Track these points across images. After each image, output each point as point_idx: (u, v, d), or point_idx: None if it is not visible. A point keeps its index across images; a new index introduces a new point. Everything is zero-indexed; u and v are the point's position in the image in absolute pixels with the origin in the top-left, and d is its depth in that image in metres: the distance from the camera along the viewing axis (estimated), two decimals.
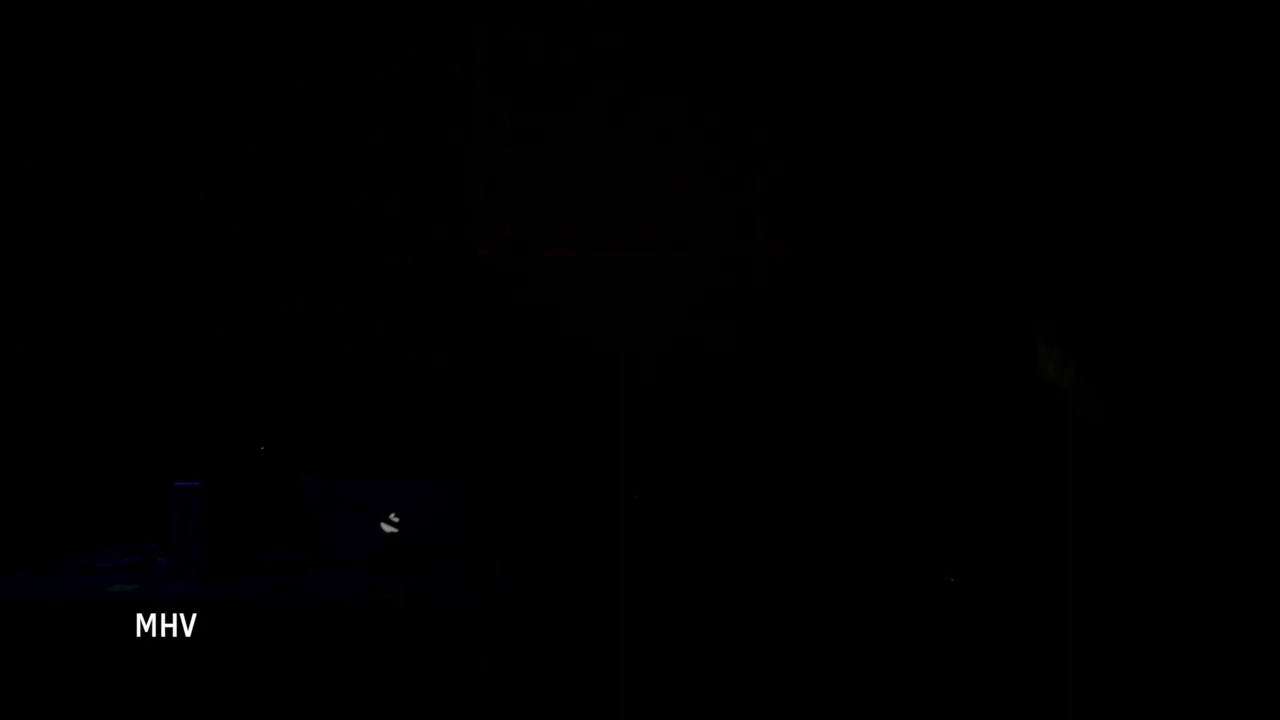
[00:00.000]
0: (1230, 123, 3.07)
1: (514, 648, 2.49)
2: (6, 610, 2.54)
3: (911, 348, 3.23)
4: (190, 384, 3.27)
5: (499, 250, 3.33)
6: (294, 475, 2.99)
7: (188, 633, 2.50)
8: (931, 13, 3.23)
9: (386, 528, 2.89)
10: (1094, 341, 3.01)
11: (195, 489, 2.76)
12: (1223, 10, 3.12)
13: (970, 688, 2.47)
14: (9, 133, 3.25)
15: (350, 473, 3.06)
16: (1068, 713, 2.46)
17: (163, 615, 2.52)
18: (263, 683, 2.48)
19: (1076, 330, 3.05)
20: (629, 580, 2.76)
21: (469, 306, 3.33)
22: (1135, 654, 2.47)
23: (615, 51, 3.34)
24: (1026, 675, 2.48)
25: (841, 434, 3.19)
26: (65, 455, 3.16)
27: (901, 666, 2.50)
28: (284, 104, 3.34)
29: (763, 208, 3.32)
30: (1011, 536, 2.88)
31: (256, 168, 3.33)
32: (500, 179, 3.35)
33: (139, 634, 2.49)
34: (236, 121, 3.34)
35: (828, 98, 3.29)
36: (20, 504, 3.05)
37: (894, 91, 3.24)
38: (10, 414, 3.18)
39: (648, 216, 3.31)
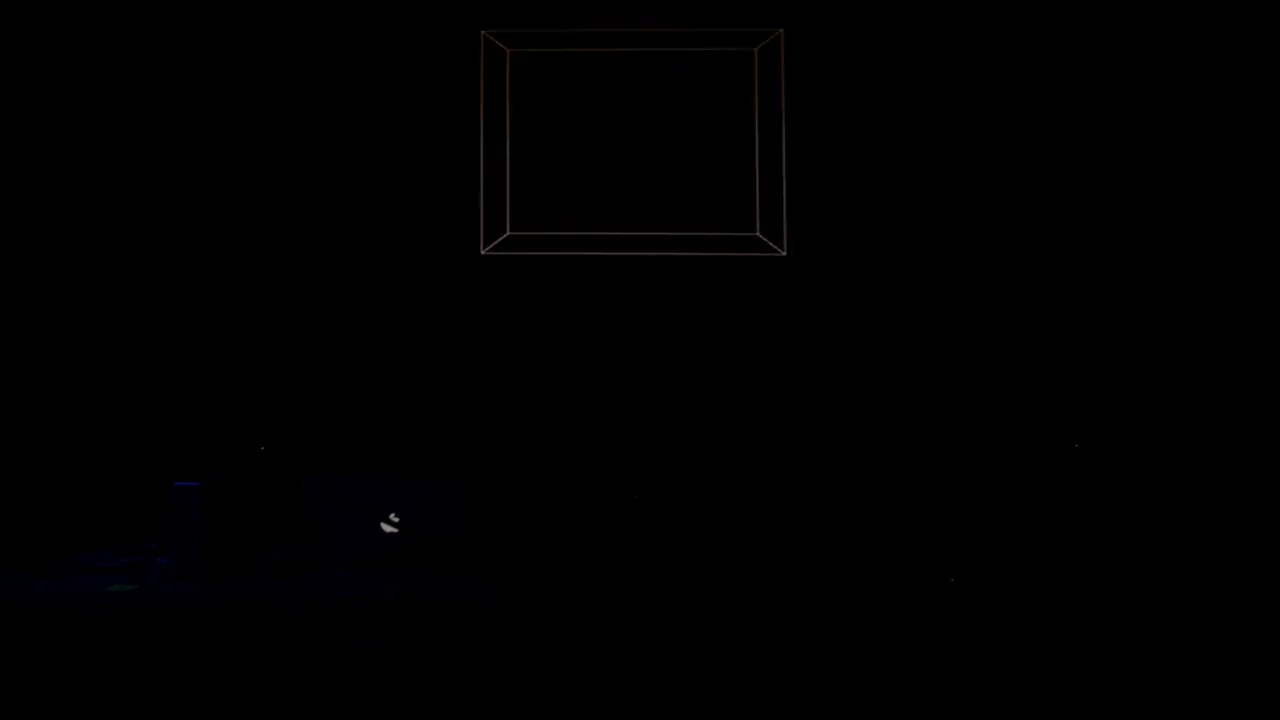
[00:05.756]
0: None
1: (510, 644, 2.50)
2: (6, 610, 2.54)
3: (917, 343, 3.22)
4: (190, 384, 3.27)
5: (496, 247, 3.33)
6: (294, 475, 3.00)
7: (187, 632, 2.50)
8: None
9: (386, 528, 2.89)
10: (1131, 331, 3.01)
11: (195, 489, 2.77)
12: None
13: (971, 688, 2.47)
14: (9, 130, 3.26)
15: (350, 472, 3.06)
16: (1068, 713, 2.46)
17: (162, 614, 2.53)
18: (262, 681, 2.48)
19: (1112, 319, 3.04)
20: (627, 577, 2.77)
21: (465, 306, 3.33)
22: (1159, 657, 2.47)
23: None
24: (1028, 675, 2.48)
25: (845, 433, 3.18)
26: (65, 455, 3.16)
27: (902, 666, 2.49)
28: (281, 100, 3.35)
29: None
30: (1020, 535, 2.87)
31: (251, 166, 3.33)
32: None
33: (139, 633, 2.50)
34: (233, 119, 3.34)
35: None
36: (20, 504, 3.05)
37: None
38: (10, 414, 3.18)
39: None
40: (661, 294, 3.30)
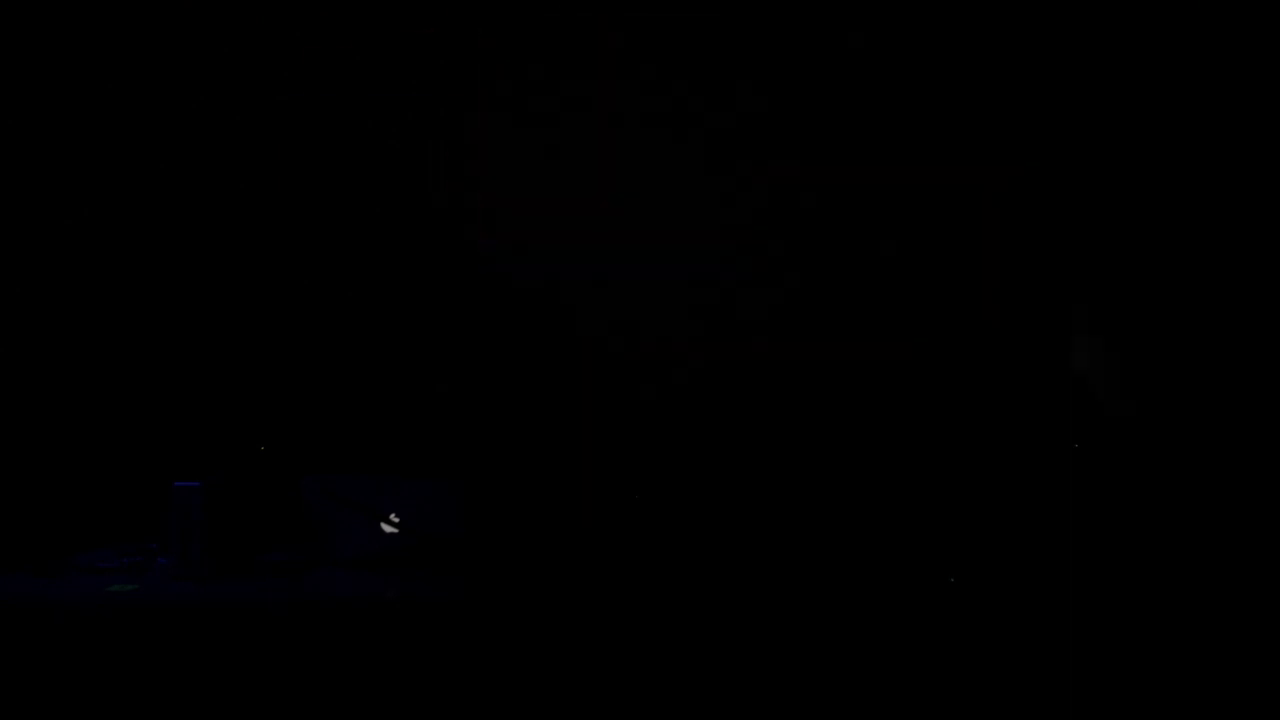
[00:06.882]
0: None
1: (506, 644, 2.50)
2: (6, 610, 2.54)
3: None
4: (190, 384, 3.27)
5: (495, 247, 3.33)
6: (294, 475, 3.00)
7: (187, 632, 2.50)
8: None
9: (386, 528, 2.90)
10: (1136, 330, 2.98)
11: (195, 489, 2.77)
12: None
13: (971, 688, 2.47)
14: (10, 130, 3.26)
15: (350, 472, 3.06)
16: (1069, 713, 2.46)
17: (162, 614, 2.53)
18: (262, 682, 2.48)
19: (1118, 317, 3.03)
20: (622, 575, 2.77)
21: (464, 306, 3.34)
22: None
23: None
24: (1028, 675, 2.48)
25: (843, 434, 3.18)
26: (64, 455, 3.16)
27: (901, 667, 2.50)
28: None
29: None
30: (1018, 538, 2.87)
31: (251, 166, 3.33)
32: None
33: (139, 633, 2.50)
34: (233, 119, 3.34)
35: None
36: (20, 504, 3.05)
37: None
38: (10, 414, 3.18)
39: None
40: (661, 293, 3.30)
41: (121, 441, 3.20)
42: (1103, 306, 3.12)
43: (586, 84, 3.34)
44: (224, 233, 3.32)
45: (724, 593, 2.68)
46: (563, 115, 3.35)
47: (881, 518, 3.01)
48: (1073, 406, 3.00)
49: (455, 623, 2.52)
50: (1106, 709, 2.45)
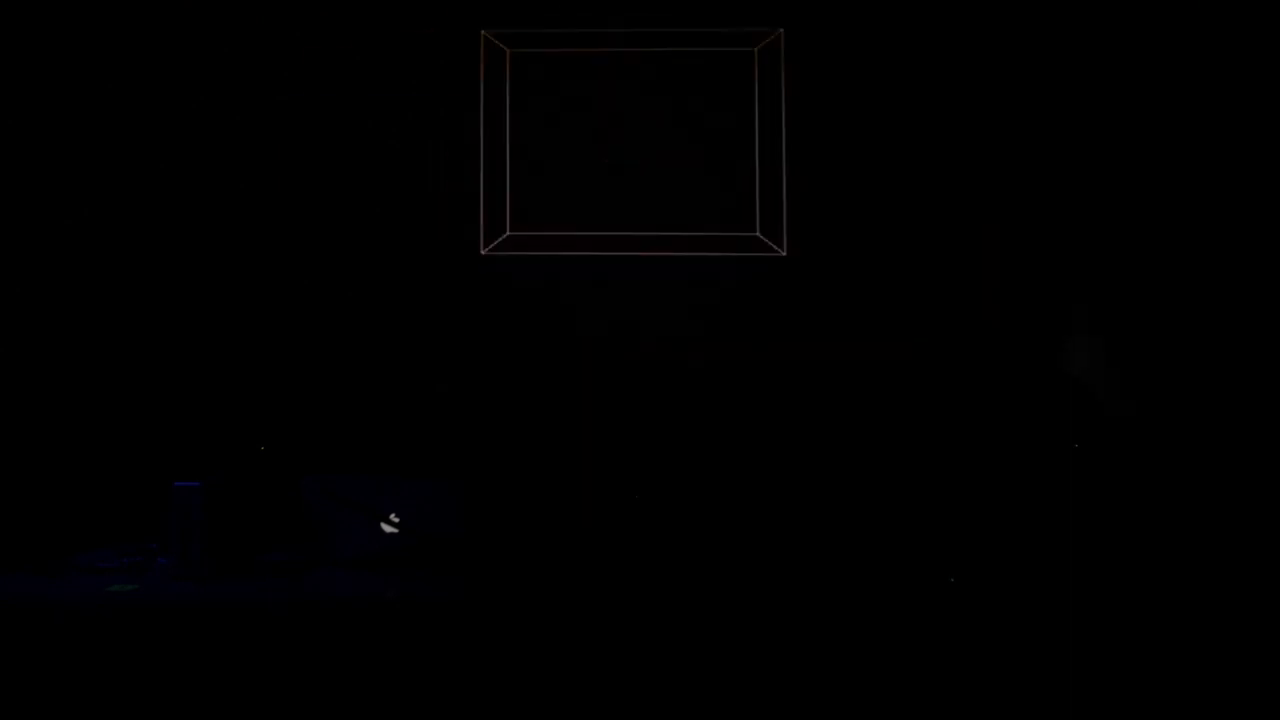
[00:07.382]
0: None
1: (506, 644, 2.50)
2: (6, 610, 2.54)
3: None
4: (190, 384, 3.27)
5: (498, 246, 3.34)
6: (294, 475, 3.00)
7: (187, 632, 2.50)
8: None
9: (386, 528, 2.90)
10: (1134, 331, 2.99)
11: (195, 489, 2.77)
12: None
13: (970, 688, 2.47)
14: (10, 130, 3.26)
15: (350, 472, 3.06)
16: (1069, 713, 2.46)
17: (162, 614, 2.53)
18: (262, 682, 2.48)
19: (1115, 318, 3.03)
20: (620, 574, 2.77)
21: (465, 306, 3.34)
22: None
23: None
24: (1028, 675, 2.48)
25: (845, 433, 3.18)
26: (64, 455, 3.16)
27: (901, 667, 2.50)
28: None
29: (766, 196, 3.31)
30: (1017, 539, 2.87)
31: (252, 166, 3.34)
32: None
33: (139, 633, 2.50)
34: (233, 119, 3.34)
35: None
36: (20, 504, 3.05)
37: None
38: (10, 414, 3.18)
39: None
40: (661, 294, 3.31)
41: (121, 441, 3.20)
42: (1103, 306, 3.12)
43: (587, 84, 3.35)
44: (224, 233, 3.32)
45: (723, 592, 2.68)
46: (563, 115, 3.35)
47: (881, 517, 3.01)
48: (1073, 406, 3.00)
49: (455, 623, 2.52)
50: (1107, 709, 2.45)
